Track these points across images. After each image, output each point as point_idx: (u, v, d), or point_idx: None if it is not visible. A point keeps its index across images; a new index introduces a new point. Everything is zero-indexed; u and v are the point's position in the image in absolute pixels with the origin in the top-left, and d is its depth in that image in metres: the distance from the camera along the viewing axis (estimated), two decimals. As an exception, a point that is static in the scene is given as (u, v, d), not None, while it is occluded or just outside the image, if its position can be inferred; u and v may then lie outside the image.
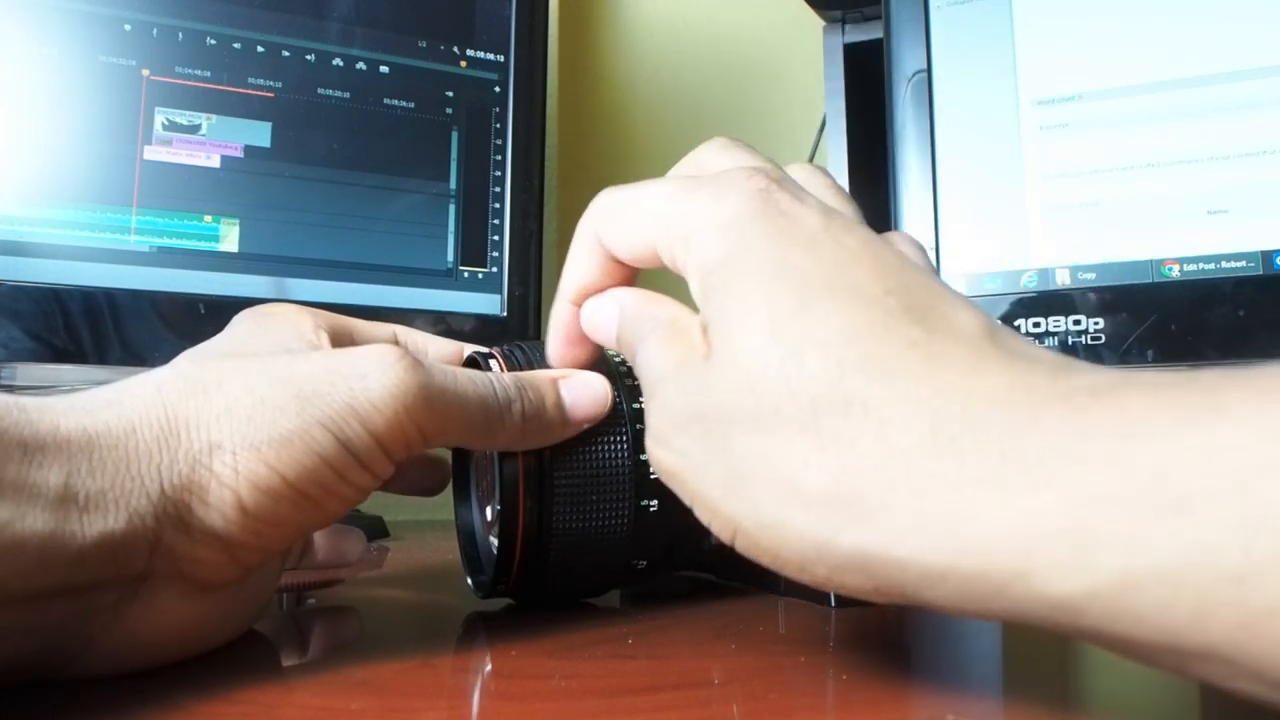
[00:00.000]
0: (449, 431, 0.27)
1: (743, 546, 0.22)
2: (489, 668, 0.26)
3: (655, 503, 0.31)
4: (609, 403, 0.31)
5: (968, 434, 0.18)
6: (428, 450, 0.28)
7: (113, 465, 0.22)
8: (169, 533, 0.22)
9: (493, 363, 0.32)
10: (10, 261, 0.51)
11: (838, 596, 0.33)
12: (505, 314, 0.64)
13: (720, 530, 0.22)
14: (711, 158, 0.27)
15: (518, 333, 0.64)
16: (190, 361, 0.26)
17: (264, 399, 0.24)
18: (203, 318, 0.54)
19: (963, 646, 0.30)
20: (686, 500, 0.23)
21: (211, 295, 0.55)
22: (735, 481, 0.21)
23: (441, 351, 0.35)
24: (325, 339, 0.30)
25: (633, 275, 0.29)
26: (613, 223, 0.27)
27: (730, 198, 0.23)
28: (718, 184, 0.24)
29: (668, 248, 0.25)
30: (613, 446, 0.31)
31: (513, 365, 0.31)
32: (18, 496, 0.20)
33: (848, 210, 0.26)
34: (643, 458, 0.31)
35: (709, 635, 0.29)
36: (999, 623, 0.34)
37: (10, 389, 0.54)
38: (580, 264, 0.28)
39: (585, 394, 0.30)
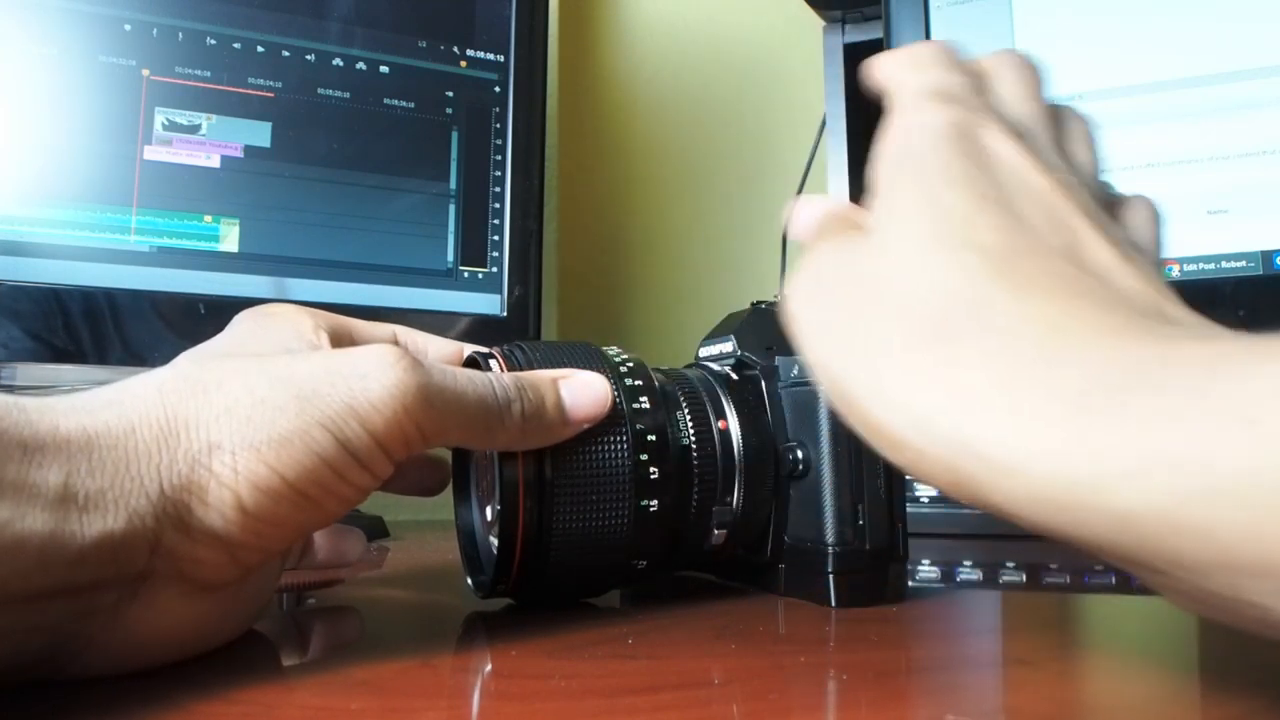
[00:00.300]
0: (448, 431, 0.27)
1: (850, 418, 0.23)
2: (489, 668, 0.26)
3: (655, 503, 0.31)
4: (609, 403, 0.30)
5: (1071, 355, 0.19)
6: (427, 450, 0.28)
7: (112, 465, 0.22)
8: (169, 532, 0.22)
9: (493, 363, 0.32)
10: (10, 261, 0.51)
11: (838, 596, 0.33)
12: (505, 314, 0.64)
13: (836, 400, 0.23)
14: (947, 66, 0.29)
15: (518, 333, 0.64)
16: (190, 362, 0.26)
17: (264, 399, 0.24)
18: (203, 318, 0.54)
19: (963, 646, 0.30)
20: (802, 345, 0.24)
21: (211, 295, 0.55)
22: (855, 343, 0.23)
23: (441, 352, 0.35)
24: (325, 339, 0.30)
25: None
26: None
27: (944, 111, 0.25)
28: (943, 94, 0.26)
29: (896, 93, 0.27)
30: (613, 446, 0.31)
31: (513, 365, 0.31)
32: (17, 496, 0.20)
33: (1044, 136, 0.28)
34: (643, 457, 0.31)
35: (709, 635, 0.29)
36: (997, 630, 0.34)
37: (10, 389, 0.54)
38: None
39: (585, 394, 0.30)
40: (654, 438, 0.31)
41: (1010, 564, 0.46)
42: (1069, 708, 0.23)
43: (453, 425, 0.27)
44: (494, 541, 0.32)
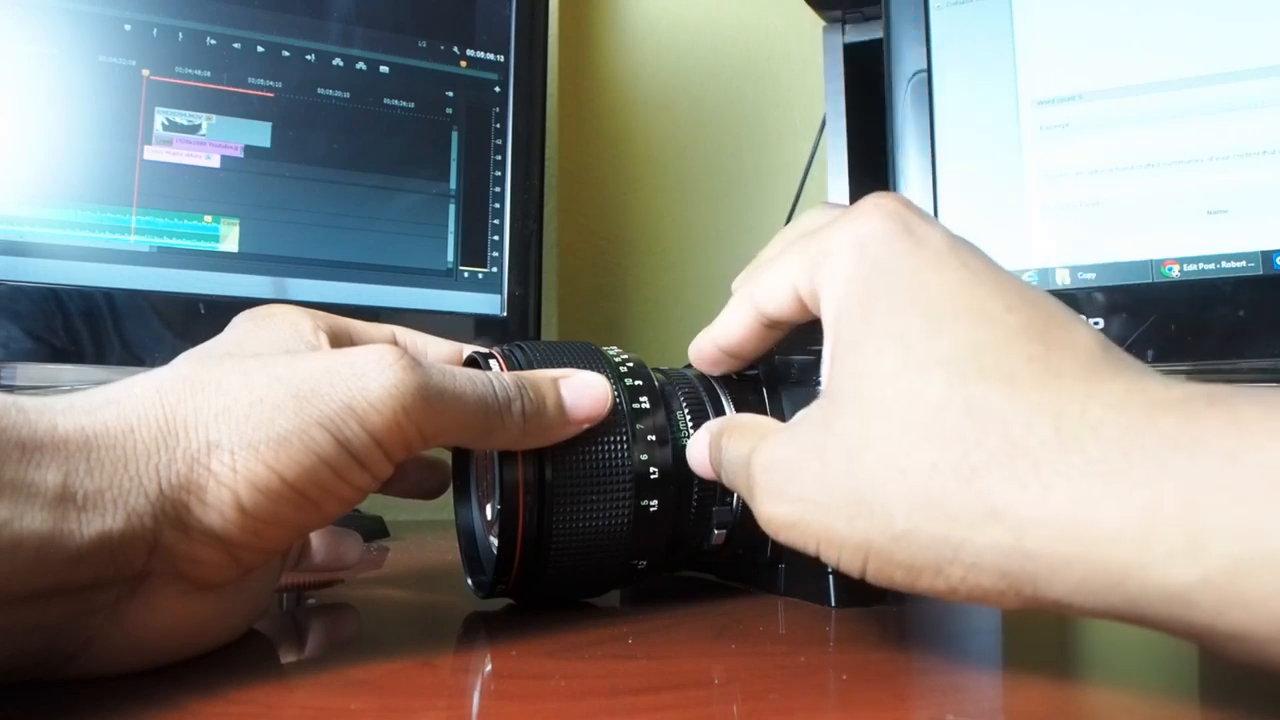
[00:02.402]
0: (448, 431, 0.27)
1: (875, 569, 0.22)
2: (489, 668, 0.26)
3: (655, 503, 0.31)
4: (609, 402, 0.30)
5: (1089, 433, 0.19)
6: (427, 451, 0.28)
7: (111, 465, 0.22)
8: (167, 532, 0.22)
9: (493, 363, 0.32)
10: (10, 261, 0.51)
11: (838, 596, 0.33)
12: (505, 314, 0.64)
13: (851, 560, 0.22)
14: (821, 211, 0.29)
15: (518, 333, 0.64)
16: (189, 362, 0.26)
17: (262, 399, 0.24)
18: (203, 318, 0.54)
19: (963, 646, 0.30)
20: (811, 546, 0.23)
21: (211, 295, 0.55)
22: (863, 502, 0.22)
23: (441, 352, 0.35)
24: (324, 339, 0.30)
25: (772, 341, 0.31)
26: (760, 273, 0.29)
27: (869, 216, 0.25)
28: (856, 210, 0.25)
29: (808, 276, 0.26)
30: (613, 446, 0.31)
31: (512, 365, 0.31)
32: (15, 496, 0.20)
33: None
34: (643, 457, 0.31)
35: (709, 635, 0.29)
36: (997, 630, 0.34)
37: (10, 389, 0.54)
38: (729, 321, 0.31)
39: (585, 394, 0.30)
40: (654, 438, 0.31)
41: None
42: (1069, 708, 0.23)
43: (452, 425, 0.27)
44: (494, 541, 0.32)
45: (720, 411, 0.34)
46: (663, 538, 0.32)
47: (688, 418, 0.33)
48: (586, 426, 0.30)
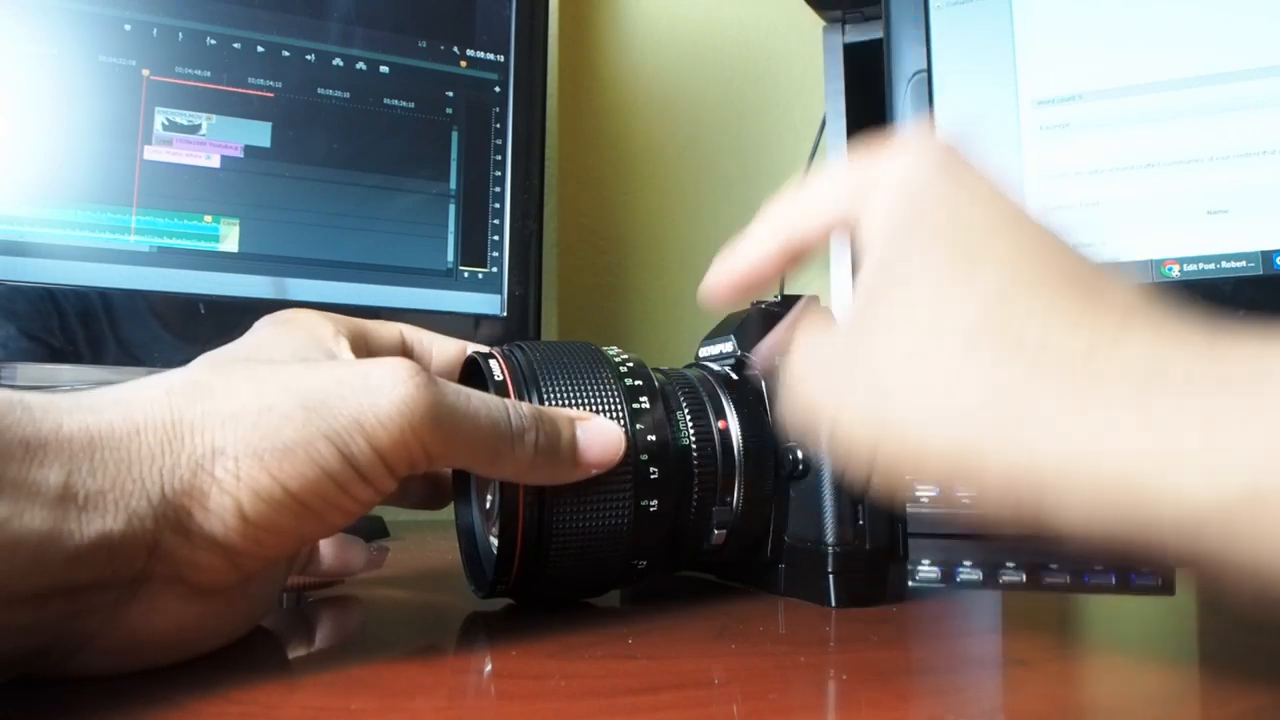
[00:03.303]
0: (455, 453, 0.27)
1: (885, 456, 0.22)
2: (489, 668, 0.26)
3: (655, 503, 0.31)
4: (620, 455, 0.30)
5: (1116, 362, 0.19)
6: (432, 469, 0.28)
7: (114, 466, 0.22)
8: (168, 536, 0.22)
9: (493, 363, 0.32)
10: (10, 261, 0.51)
11: (838, 596, 0.33)
12: (505, 314, 0.64)
13: (859, 444, 0.23)
14: (866, 152, 0.28)
15: (518, 333, 0.64)
16: (204, 365, 0.26)
17: (271, 406, 0.24)
18: (203, 318, 0.54)
19: (963, 646, 0.30)
20: (825, 424, 0.24)
21: (211, 295, 0.55)
22: (886, 394, 0.22)
23: (446, 349, 0.35)
24: (345, 347, 0.30)
25: (779, 276, 0.31)
26: (797, 197, 0.28)
27: (917, 152, 0.25)
28: (903, 145, 0.25)
29: (849, 203, 0.26)
30: None
31: (512, 365, 0.31)
32: (16, 494, 0.20)
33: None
34: (643, 458, 0.31)
35: (709, 635, 0.29)
36: (997, 630, 0.34)
37: (10, 389, 0.54)
38: (753, 244, 0.30)
39: (599, 440, 0.30)
40: (654, 438, 0.31)
41: (1010, 564, 0.46)
42: (1069, 708, 0.23)
43: (461, 448, 0.27)
44: (494, 541, 0.32)
45: (720, 412, 0.34)
46: (663, 538, 0.32)
47: (688, 418, 0.33)
48: (594, 474, 0.30)
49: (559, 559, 0.30)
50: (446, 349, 0.36)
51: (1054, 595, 0.39)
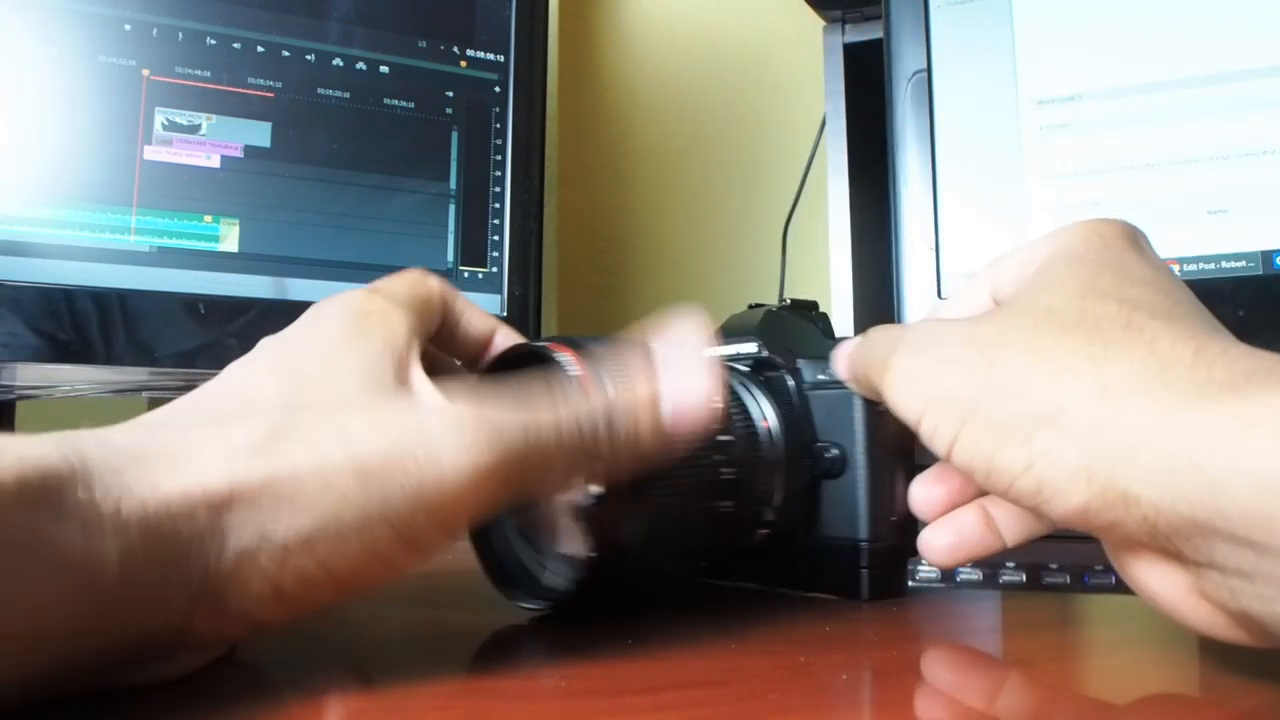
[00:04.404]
0: (531, 491, 0.25)
1: (969, 432, 0.25)
2: (489, 668, 0.26)
3: (729, 504, 0.31)
4: (708, 410, 0.27)
5: (1221, 362, 0.22)
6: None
7: (165, 551, 0.20)
8: (198, 621, 0.22)
9: (561, 355, 0.28)
10: (10, 261, 0.51)
11: (871, 589, 0.33)
12: (505, 314, 0.64)
13: (949, 419, 0.25)
14: None
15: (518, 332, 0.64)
16: (271, 400, 0.23)
17: (329, 484, 0.22)
18: (203, 318, 0.54)
19: (963, 646, 0.30)
20: (920, 401, 0.26)
21: (211, 295, 0.55)
22: (987, 363, 0.25)
23: (474, 324, 0.32)
24: (415, 362, 0.26)
25: None
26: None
27: (1085, 225, 0.28)
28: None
29: (1033, 250, 0.29)
30: (698, 449, 0.29)
31: (586, 355, 0.28)
32: (77, 581, 0.19)
33: None
34: (717, 458, 0.30)
35: (709, 635, 0.29)
36: (997, 630, 0.34)
37: (10, 389, 0.54)
38: (967, 295, 0.32)
39: (688, 410, 0.27)
40: (727, 438, 0.31)
41: (1010, 564, 0.46)
42: (1069, 708, 0.23)
43: (535, 484, 0.25)
44: (561, 549, 0.31)
45: (762, 411, 0.34)
46: (725, 539, 0.32)
47: (734, 418, 0.33)
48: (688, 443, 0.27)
49: (641, 563, 0.29)
50: (474, 324, 0.32)
51: (1054, 595, 0.39)
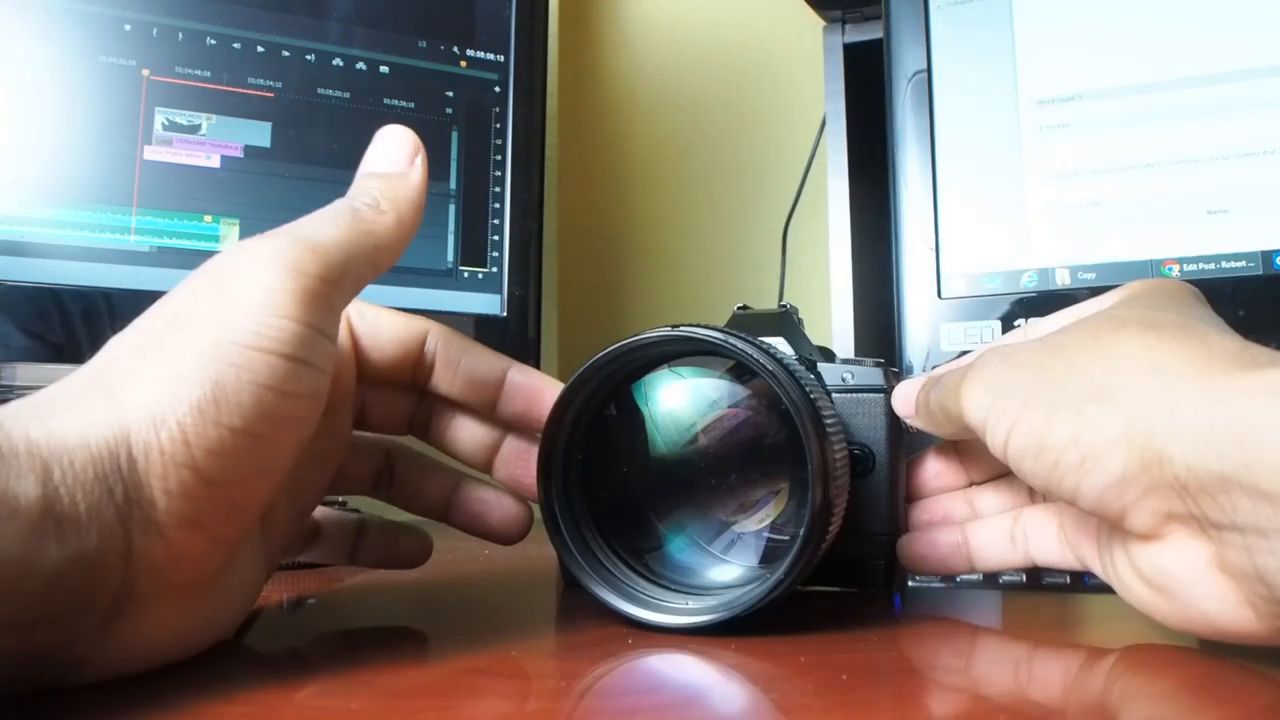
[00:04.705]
0: (343, 264, 0.26)
1: (1028, 414, 0.27)
2: (489, 668, 0.26)
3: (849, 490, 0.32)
4: (409, 134, 0.30)
5: (1265, 352, 0.25)
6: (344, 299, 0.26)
7: (80, 469, 0.21)
8: (139, 539, 0.21)
9: (717, 334, 0.30)
10: (10, 261, 0.51)
11: (888, 580, 0.35)
12: (505, 314, 0.64)
13: (1009, 400, 0.27)
14: None
15: (518, 333, 0.64)
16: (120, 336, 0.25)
17: (182, 347, 0.23)
18: (203, 318, 0.54)
19: (963, 646, 0.30)
20: (986, 394, 0.28)
21: (211, 295, 0.55)
22: (1059, 369, 0.27)
23: (478, 363, 0.33)
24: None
25: None
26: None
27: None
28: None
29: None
30: (839, 434, 0.31)
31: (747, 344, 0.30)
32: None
33: None
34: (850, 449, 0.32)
35: (709, 635, 0.29)
36: (997, 630, 0.34)
37: (9, 389, 0.54)
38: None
39: (390, 146, 0.30)
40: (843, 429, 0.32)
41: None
42: (1069, 708, 0.23)
43: (341, 254, 0.26)
44: (760, 540, 0.31)
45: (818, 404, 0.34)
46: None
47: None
48: (420, 163, 0.30)
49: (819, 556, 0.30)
50: (479, 365, 0.33)
51: (1054, 595, 0.39)
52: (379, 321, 0.32)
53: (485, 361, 0.33)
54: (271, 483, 0.25)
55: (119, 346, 0.24)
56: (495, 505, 0.34)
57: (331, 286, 0.25)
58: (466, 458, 0.34)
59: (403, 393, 0.33)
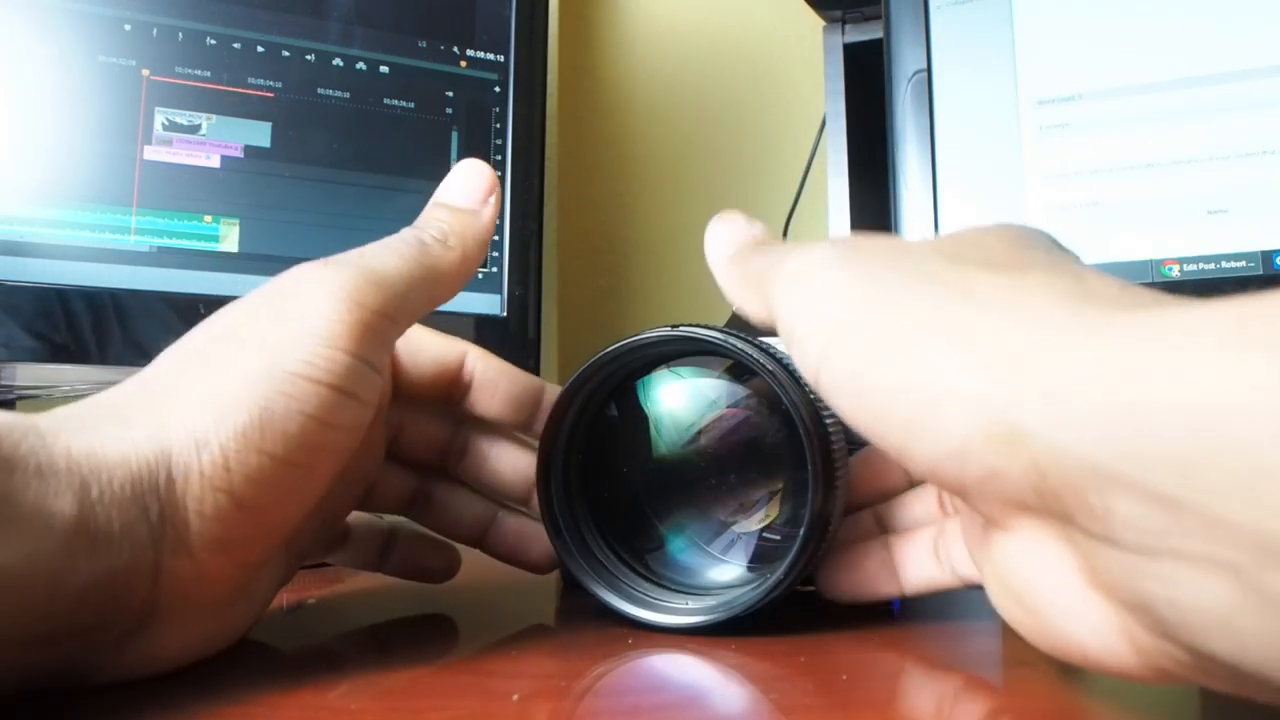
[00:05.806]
0: (405, 299, 0.26)
1: (838, 351, 0.20)
2: (489, 668, 0.26)
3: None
4: (487, 168, 0.30)
5: (1151, 294, 0.18)
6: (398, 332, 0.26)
7: (119, 488, 0.21)
8: (168, 560, 0.21)
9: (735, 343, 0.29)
10: (10, 261, 0.51)
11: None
12: (505, 314, 0.64)
13: (819, 337, 0.21)
14: None
15: (517, 333, 0.64)
16: (171, 352, 0.25)
17: (233, 363, 0.23)
18: (203, 318, 0.54)
19: (963, 646, 0.30)
20: (798, 302, 0.22)
21: (211, 295, 0.55)
22: (881, 295, 0.20)
23: (515, 383, 0.33)
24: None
25: None
26: None
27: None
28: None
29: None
30: (840, 433, 0.30)
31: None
32: (34, 527, 0.19)
33: None
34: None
35: (708, 635, 0.29)
36: (997, 630, 0.34)
37: (10, 389, 0.54)
38: None
39: (468, 181, 0.30)
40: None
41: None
42: (1069, 708, 0.23)
43: (402, 291, 0.26)
44: (758, 537, 0.31)
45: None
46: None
47: None
48: (494, 202, 0.30)
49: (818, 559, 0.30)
50: (518, 383, 0.33)
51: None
52: (420, 342, 0.32)
53: (523, 382, 0.33)
54: (304, 510, 0.25)
55: (169, 359, 0.24)
56: (537, 538, 0.33)
57: (388, 321, 0.25)
58: (506, 486, 0.33)
59: (438, 416, 0.33)
